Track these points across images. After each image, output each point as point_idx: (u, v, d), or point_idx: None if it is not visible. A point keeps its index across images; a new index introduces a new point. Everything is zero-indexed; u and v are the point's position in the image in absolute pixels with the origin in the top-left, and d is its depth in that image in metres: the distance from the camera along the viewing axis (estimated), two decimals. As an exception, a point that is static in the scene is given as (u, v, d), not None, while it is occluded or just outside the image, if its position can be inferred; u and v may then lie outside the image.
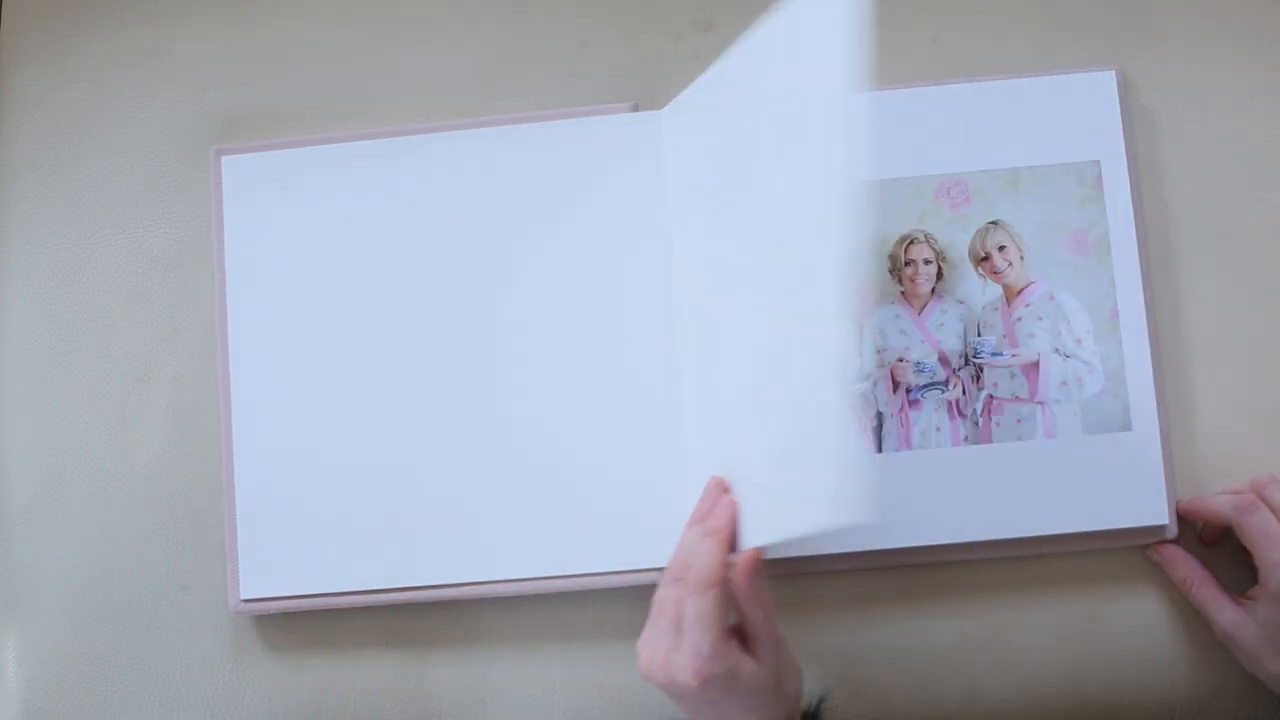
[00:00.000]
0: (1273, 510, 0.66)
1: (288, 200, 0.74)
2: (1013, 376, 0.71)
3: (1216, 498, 0.68)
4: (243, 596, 0.71)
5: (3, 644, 0.74)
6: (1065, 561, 0.71)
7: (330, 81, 0.77)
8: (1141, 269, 0.71)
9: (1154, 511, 0.69)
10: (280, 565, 0.71)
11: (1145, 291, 0.71)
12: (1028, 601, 0.71)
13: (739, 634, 0.60)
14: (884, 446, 0.71)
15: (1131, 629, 0.70)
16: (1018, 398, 0.71)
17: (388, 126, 0.75)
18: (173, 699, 0.72)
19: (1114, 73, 0.72)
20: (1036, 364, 0.71)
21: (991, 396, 0.71)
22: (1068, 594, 0.71)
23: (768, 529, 0.60)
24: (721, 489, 0.64)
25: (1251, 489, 0.68)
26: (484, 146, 0.73)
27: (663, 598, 0.61)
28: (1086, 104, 0.72)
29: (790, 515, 0.59)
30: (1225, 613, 0.67)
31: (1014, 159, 0.72)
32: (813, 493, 0.56)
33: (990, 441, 0.71)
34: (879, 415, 0.71)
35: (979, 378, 0.71)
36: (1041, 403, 0.71)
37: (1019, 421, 0.71)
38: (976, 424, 0.71)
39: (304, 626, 0.73)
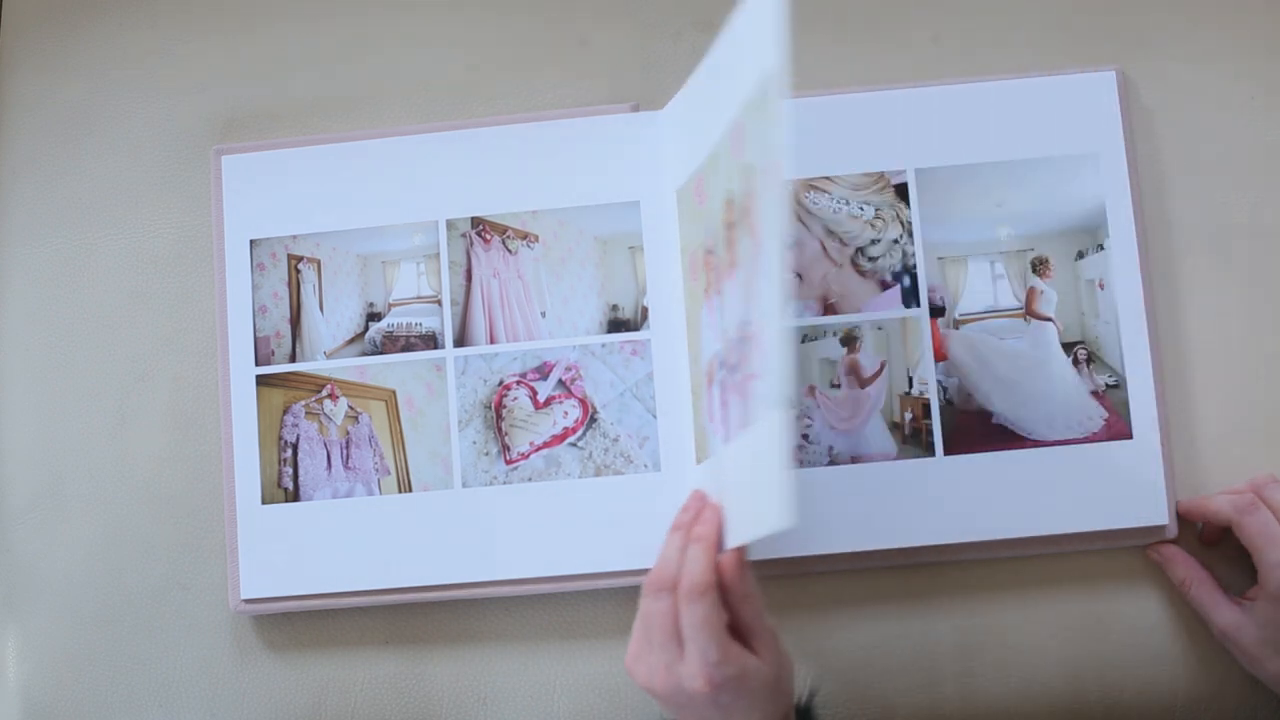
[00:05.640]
0: (1272, 510, 0.66)
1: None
2: (1013, 376, 0.71)
3: (1216, 498, 0.68)
4: (243, 596, 0.71)
5: (3, 644, 0.74)
6: (1065, 561, 0.71)
7: (329, 81, 0.77)
8: (1141, 269, 0.71)
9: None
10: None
11: (1145, 292, 0.71)
12: (1028, 601, 0.71)
13: (736, 635, 0.59)
14: (884, 446, 0.71)
15: (1131, 629, 0.70)
16: (1018, 398, 0.71)
17: (387, 126, 0.75)
18: (173, 699, 0.72)
19: (1114, 73, 0.72)
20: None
21: (991, 396, 0.71)
22: (1068, 594, 0.71)
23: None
24: (702, 499, 0.63)
25: (1251, 489, 0.68)
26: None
27: (651, 610, 0.59)
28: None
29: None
30: (1224, 613, 0.67)
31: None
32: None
33: (990, 441, 0.71)
34: (879, 415, 0.71)
35: (979, 378, 0.71)
36: (1041, 403, 0.71)
37: (1019, 421, 0.71)
38: (976, 424, 0.71)
39: (304, 626, 0.73)
